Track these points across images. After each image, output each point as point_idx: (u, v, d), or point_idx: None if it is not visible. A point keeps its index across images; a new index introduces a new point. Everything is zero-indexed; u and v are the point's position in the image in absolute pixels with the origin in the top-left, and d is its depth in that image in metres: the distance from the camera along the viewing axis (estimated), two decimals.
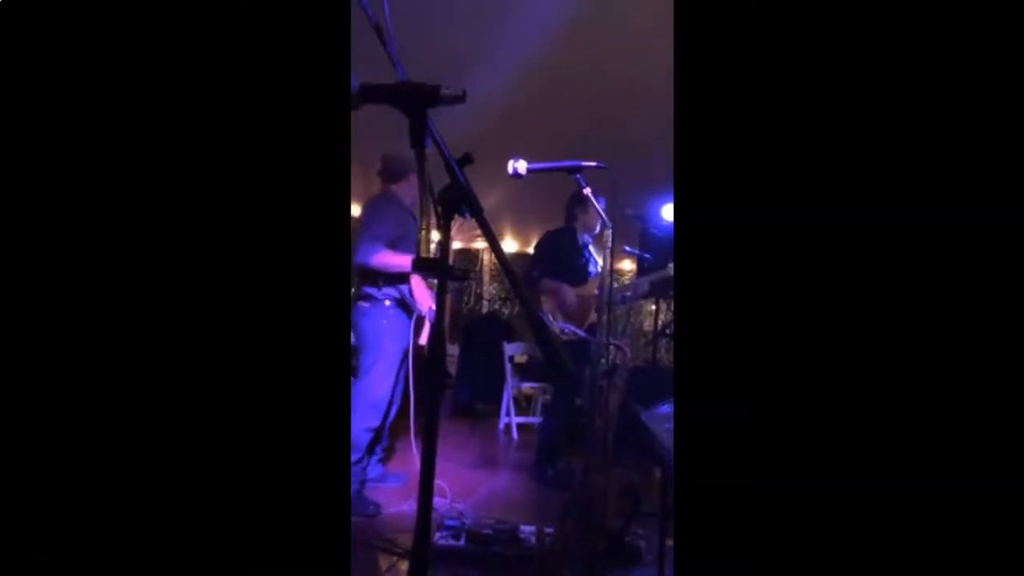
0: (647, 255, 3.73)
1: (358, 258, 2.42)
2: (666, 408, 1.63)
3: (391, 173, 2.66)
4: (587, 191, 2.02)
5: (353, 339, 2.61)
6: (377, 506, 2.47)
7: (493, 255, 5.96)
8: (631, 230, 4.17)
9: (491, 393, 4.72)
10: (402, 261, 2.44)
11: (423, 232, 2.54)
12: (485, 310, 7.55)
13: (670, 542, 1.74)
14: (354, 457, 2.49)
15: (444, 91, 0.86)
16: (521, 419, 4.38)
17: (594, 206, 2.10)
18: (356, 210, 3.56)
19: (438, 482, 2.01)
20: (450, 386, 5.03)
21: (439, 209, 0.88)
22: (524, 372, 4.78)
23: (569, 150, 2.29)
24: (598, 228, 3.21)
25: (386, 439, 2.83)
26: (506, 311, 7.38)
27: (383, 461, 2.91)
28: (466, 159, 0.89)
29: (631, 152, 3.56)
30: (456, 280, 1.80)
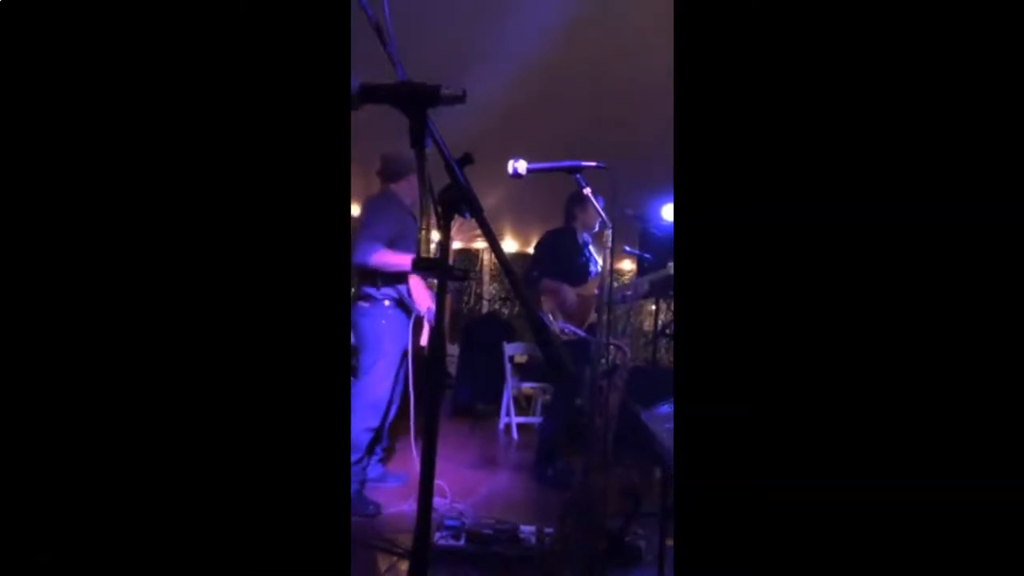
0: (647, 255, 3.73)
1: (357, 257, 2.42)
2: (666, 408, 1.63)
3: (391, 172, 2.65)
4: (587, 191, 2.02)
5: (353, 339, 2.61)
6: (377, 506, 2.47)
7: (493, 255, 5.96)
8: (631, 230, 4.17)
9: (491, 393, 4.72)
10: (401, 260, 2.44)
11: (423, 232, 2.53)
12: (485, 310, 7.55)
13: (670, 542, 1.74)
14: (354, 457, 2.49)
15: (444, 91, 0.86)
16: (521, 419, 4.38)
17: (593, 205, 2.10)
18: (356, 210, 3.56)
19: (438, 482, 2.01)
20: (450, 386, 5.03)
21: (439, 209, 0.88)
22: (524, 372, 4.78)
23: (569, 150, 2.29)
24: (597, 227, 3.21)
25: (386, 439, 2.83)
26: (506, 311, 7.38)
27: (383, 461, 2.91)
28: (466, 159, 0.89)
29: (631, 152, 3.56)
30: (456, 280, 1.80)
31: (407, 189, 2.66)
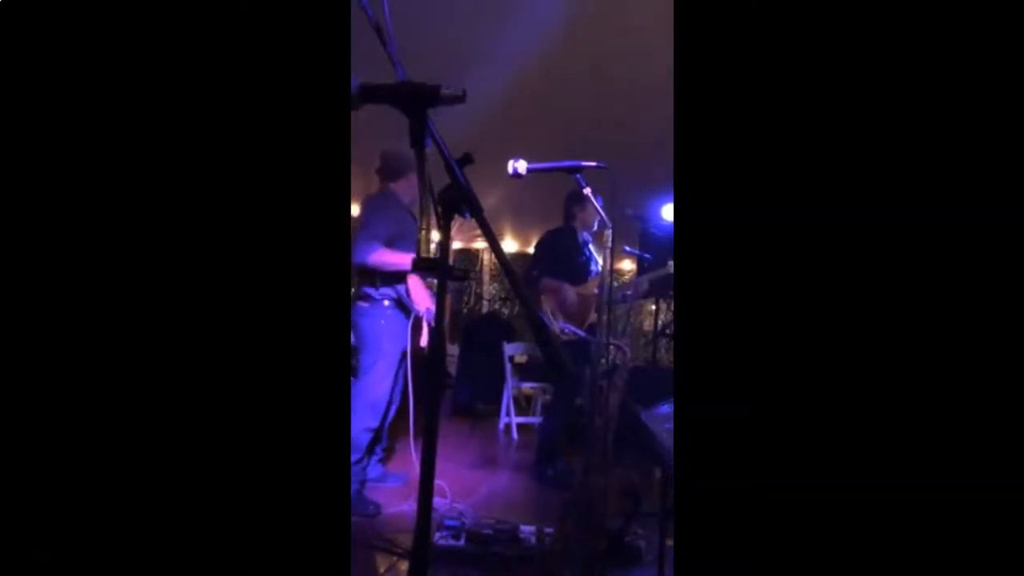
0: (647, 255, 3.73)
1: (355, 256, 2.41)
2: (666, 408, 1.63)
3: (390, 171, 2.65)
4: (587, 191, 2.02)
5: (352, 339, 2.61)
6: (377, 506, 2.47)
7: (493, 255, 5.96)
8: (631, 230, 4.17)
9: (491, 393, 4.72)
10: (400, 260, 2.44)
11: (423, 232, 2.53)
12: (485, 310, 7.55)
13: (670, 542, 1.74)
14: (354, 457, 2.49)
15: (444, 91, 0.86)
16: (521, 419, 4.38)
17: (592, 203, 2.11)
18: (355, 209, 3.56)
19: (438, 482, 2.01)
20: (450, 386, 5.03)
21: (439, 209, 0.88)
22: (524, 372, 4.78)
23: (569, 150, 2.29)
24: (596, 225, 3.21)
25: (386, 439, 2.83)
26: (506, 311, 7.38)
27: (383, 461, 2.91)
28: (466, 159, 0.89)
29: (631, 152, 3.56)
30: (456, 280, 1.80)
31: (406, 188, 2.65)
